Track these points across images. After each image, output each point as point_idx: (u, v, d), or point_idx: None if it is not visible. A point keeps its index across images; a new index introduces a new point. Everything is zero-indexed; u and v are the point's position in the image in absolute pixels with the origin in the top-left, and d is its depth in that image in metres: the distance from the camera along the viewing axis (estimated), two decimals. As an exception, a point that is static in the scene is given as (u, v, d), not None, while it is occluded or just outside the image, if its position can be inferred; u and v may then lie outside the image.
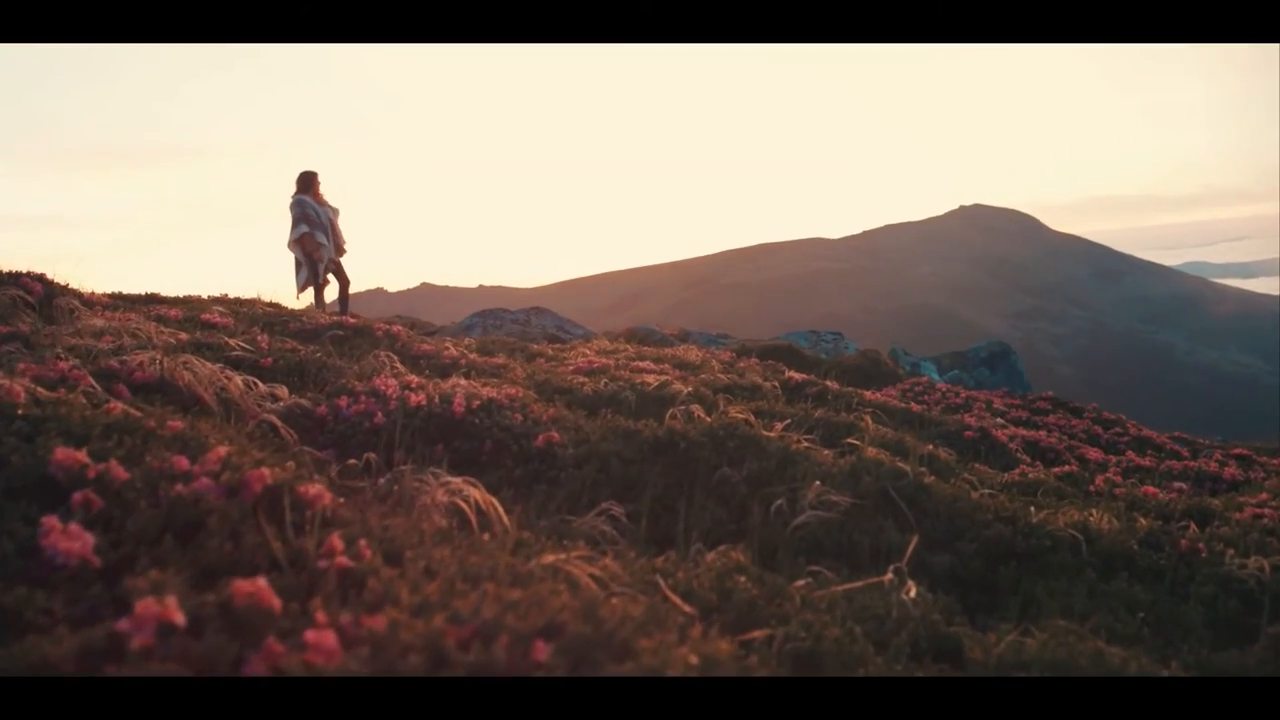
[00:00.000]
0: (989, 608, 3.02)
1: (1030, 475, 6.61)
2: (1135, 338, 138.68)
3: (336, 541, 1.81)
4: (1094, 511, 3.71)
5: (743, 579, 2.32)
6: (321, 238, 15.01)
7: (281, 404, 4.32)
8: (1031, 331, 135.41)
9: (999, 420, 10.77)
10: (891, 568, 2.62)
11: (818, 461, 3.98)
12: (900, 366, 14.98)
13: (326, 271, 15.38)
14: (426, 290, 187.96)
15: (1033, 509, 3.64)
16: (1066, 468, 7.24)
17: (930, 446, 5.30)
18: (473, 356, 7.19)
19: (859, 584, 2.53)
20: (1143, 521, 4.12)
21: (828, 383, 9.15)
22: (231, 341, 5.25)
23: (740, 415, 4.48)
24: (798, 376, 9.13)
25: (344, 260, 15.50)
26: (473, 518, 2.56)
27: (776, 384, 8.44)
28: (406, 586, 1.55)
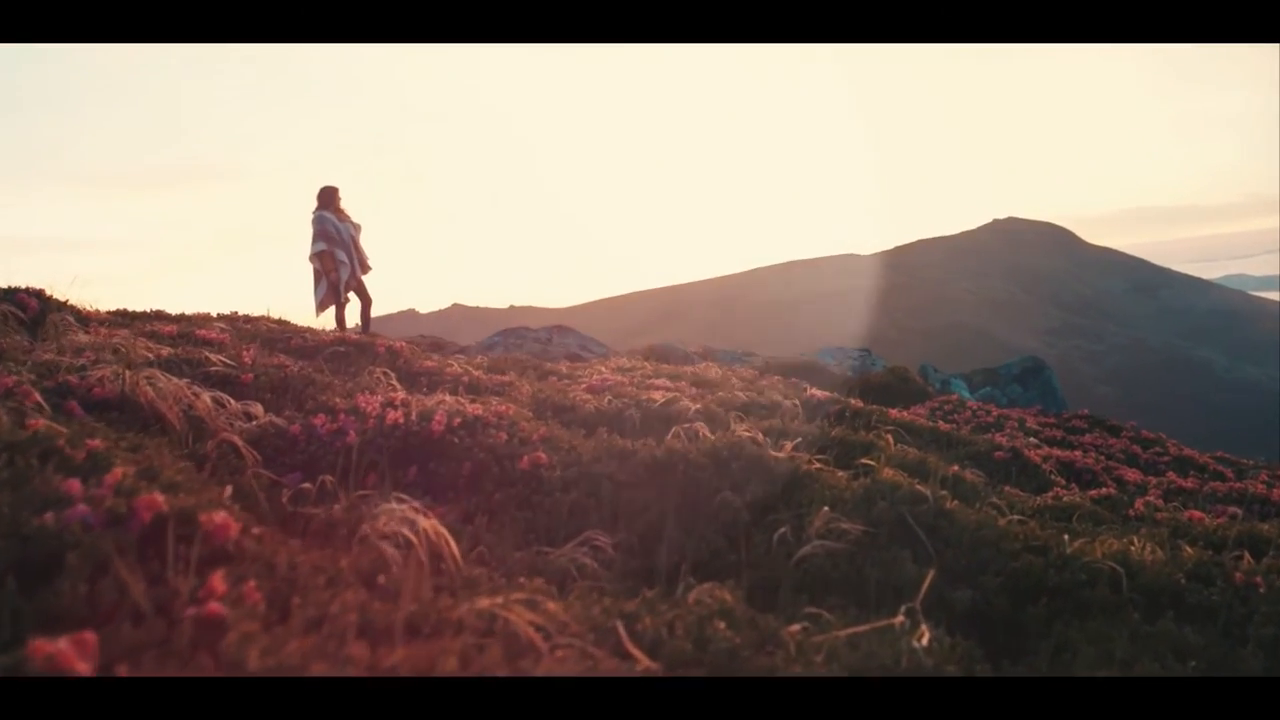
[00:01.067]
0: (1015, 652, 2.65)
1: (1065, 498, 6.21)
2: (1173, 354, 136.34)
3: (217, 583, 1.51)
4: (1135, 540, 3.34)
5: (723, 625, 1.98)
6: (341, 255, 14.83)
7: (255, 423, 4.04)
8: (1067, 348, 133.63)
9: (1031, 440, 10.33)
10: (904, 607, 2.28)
11: (829, 484, 3.64)
12: (930, 384, 14.54)
13: (347, 290, 15.19)
14: (457, 311, 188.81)
15: (1066, 537, 3.27)
16: (1104, 490, 6.83)
17: (956, 468, 4.93)
18: (477, 374, 6.90)
19: (864, 628, 2.19)
20: (1189, 551, 3.73)
21: (851, 400, 8.77)
22: (213, 357, 4.98)
23: (747, 433, 4.15)
24: (819, 394, 8.77)
25: (366, 278, 15.33)
26: (421, 551, 2.24)
27: (796, 401, 8.08)
28: (259, 647, 1.24)
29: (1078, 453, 9.95)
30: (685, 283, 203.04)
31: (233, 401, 4.15)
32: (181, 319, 8.19)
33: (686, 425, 4.32)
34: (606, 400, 5.36)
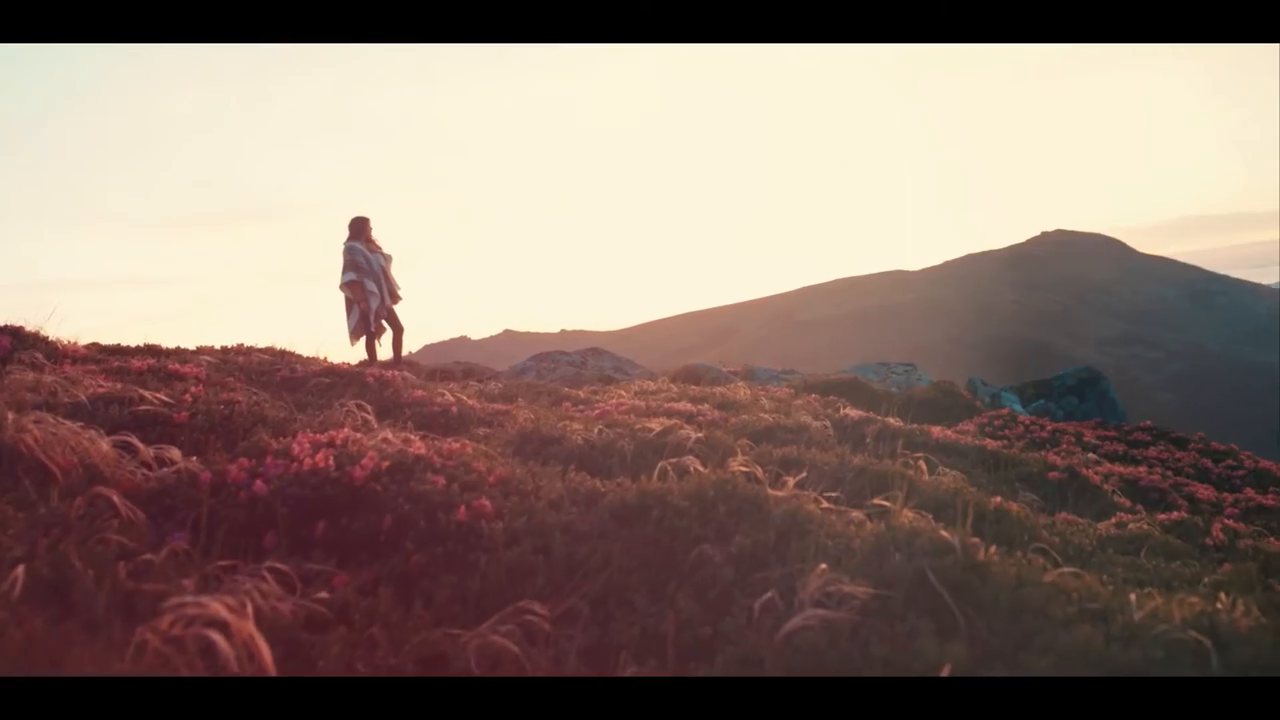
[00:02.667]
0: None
1: (1130, 526, 5.46)
2: (1234, 357, 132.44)
3: None
4: (1223, 598, 2.63)
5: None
6: (371, 285, 14.57)
7: (168, 469, 3.47)
8: (1124, 358, 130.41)
9: (1090, 456, 9.51)
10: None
11: (834, 531, 2.97)
12: (979, 398, 13.68)
13: (379, 319, 14.87)
14: (508, 336, 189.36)
15: (1134, 597, 2.57)
16: (1175, 514, 6.04)
17: (998, 499, 4.22)
18: (472, 403, 6.31)
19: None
20: (1290, 601, 3.00)
21: (889, 419, 8.05)
22: (146, 394, 4.43)
23: (744, 468, 3.49)
24: (854, 414, 8.06)
25: (398, 307, 14.96)
26: (230, 656, 1.63)
27: (827, 423, 7.39)
28: None
29: (1142, 468, 9.12)
30: (736, 303, 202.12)
31: (144, 447, 3.58)
32: (161, 352, 7.71)
33: (675, 461, 3.68)
34: (597, 431, 4.72)
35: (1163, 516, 5.89)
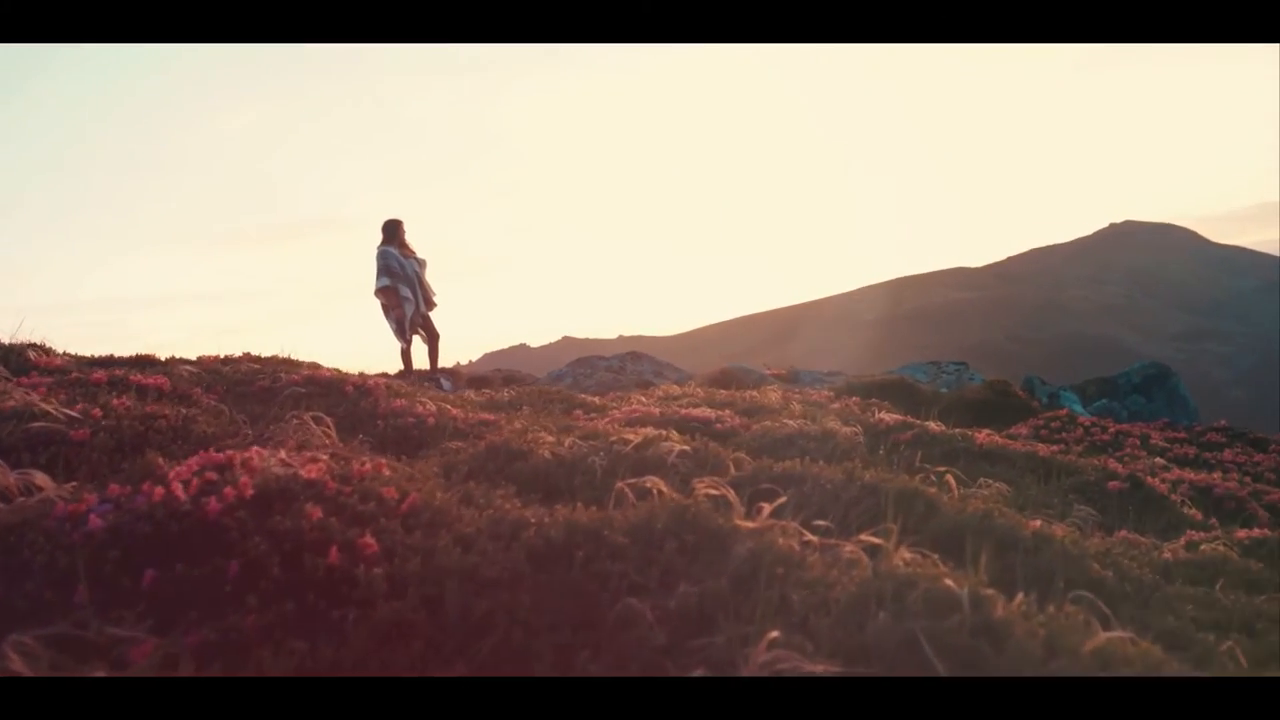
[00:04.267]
0: None
1: (1204, 547, 4.69)
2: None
3: None
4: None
5: None
6: (405, 291, 14.17)
7: (28, 499, 2.91)
8: (1196, 353, 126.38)
9: (1158, 460, 8.64)
10: None
11: (806, 579, 2.29)
12: (1036, 398, 12.78)
13: (413, 326, 14.47)
14: (567, 344, 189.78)
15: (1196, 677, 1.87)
16: (1257, 530, 5.21)
17: (1037, 522, 3.50)
18: (455, 412, 5.72)
19: None
20: None
21: (930, 424, 7.30)
22: (45, 407, 3.89)
23: (715, 491, 2.83)
24: (889, 418, 7.32)
25: (432, 313, 14.54)
26: None
27: (858, 428, 6.67)
28: None
29: (1216, 474, 8.23)
30: (796, 304, 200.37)
31: (9, 472, 3.03)
32: (144, 363, 7.22)
33: (636, 482, 3.03)
34: (568, 445, 4.08)
35: (1242, 533, 5.08)
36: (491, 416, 5.71)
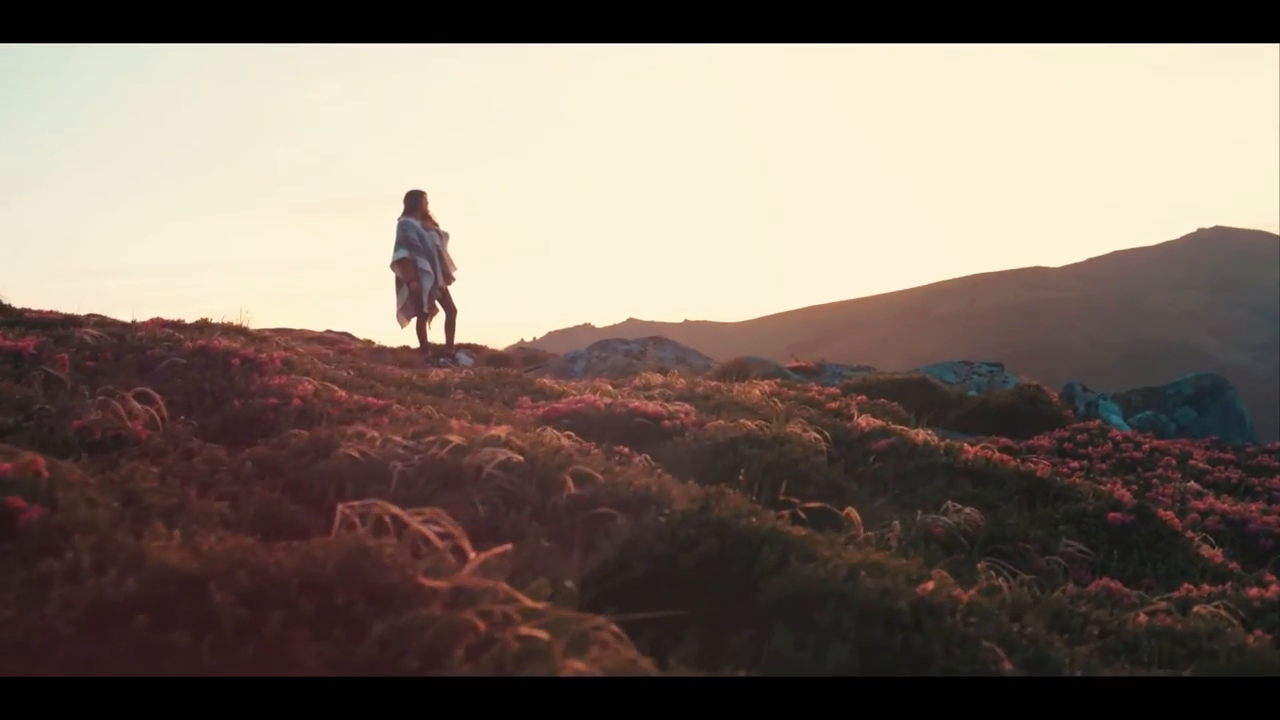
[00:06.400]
0: None
1: (1197, 608, 3.72)
2: None
3: None
4: None
5: None
6: (424, 264, 13.63)
7: None
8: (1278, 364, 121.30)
9: (1191, 485, 7.57)
10: None
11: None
12: (1072, 406, 11.69)
13: (432, 300, 13.94)
14: (631, 325, 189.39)
15: None
16: (1275, 590, 4.21)
17: (930, 585, 2.61)
18: (341, 395, 4.99)
19: None
20: None
21: (916, 433, 6.37)
22: None
23: (428, 529, 2.03)
24: (865, 424, 6.41)
25: (451, 288, 13.98)
26: None
27: (824, 434, 5.79)
28: None
29: (1257, 505, 7.15)
30: (865, 296, 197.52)
31: None
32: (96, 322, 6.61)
33: (362, 504, 2.24)
34: (378, 444, 3.31)
35: (1254, 591, 4.10)
36: (378, 401, 4.97)
